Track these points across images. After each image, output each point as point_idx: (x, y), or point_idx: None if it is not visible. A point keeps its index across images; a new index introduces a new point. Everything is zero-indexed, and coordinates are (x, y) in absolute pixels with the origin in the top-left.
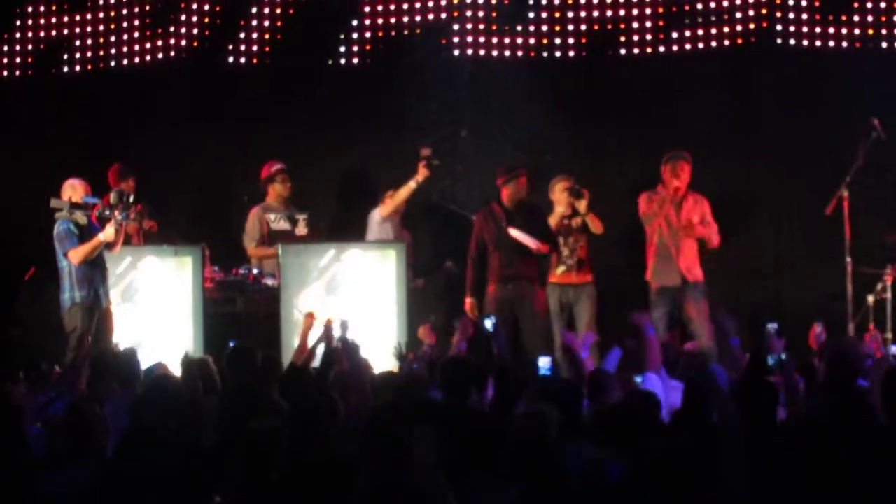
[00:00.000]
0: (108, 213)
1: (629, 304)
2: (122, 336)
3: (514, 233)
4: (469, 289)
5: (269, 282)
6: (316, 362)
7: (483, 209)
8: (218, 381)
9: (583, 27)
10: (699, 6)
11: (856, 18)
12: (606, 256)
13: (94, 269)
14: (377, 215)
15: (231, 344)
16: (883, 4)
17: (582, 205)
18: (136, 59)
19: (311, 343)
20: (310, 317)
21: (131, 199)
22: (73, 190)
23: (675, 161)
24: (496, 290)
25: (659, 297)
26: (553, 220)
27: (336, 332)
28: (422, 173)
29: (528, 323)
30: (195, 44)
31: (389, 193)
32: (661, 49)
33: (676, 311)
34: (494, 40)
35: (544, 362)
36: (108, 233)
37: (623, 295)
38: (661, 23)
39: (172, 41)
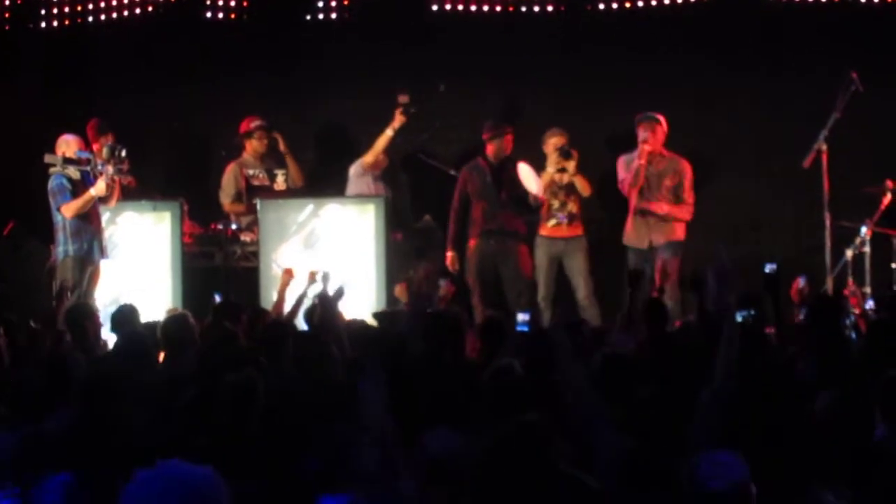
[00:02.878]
0: (100, 167)
1: (613, 260)
2: (102, 290)
3: (523, 168)
4: (451, 241)
5: (247, 237)
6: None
7: (469, 163)
8: (196, 336)
9: None
10: None
11: None
12: (586, 213)
13: (88, 224)
14: (357, 168)
15: (215, 296)
16: None
17: (571, 165)
18: (114, 15)
19: (289, 298)
20: (288, 273)
21: (123, 153)
22: (67, 145)
23: (643, 122)
24: (478, 244)
25: (633, 258)
26: (544, 177)
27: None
28: (398, 120)
29: (510, 278)
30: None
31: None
32: (640, 4)
33: (651, 271)
34: None
35: (522, 318)
36: (99, 187)
37: (605, 250)
38: None
39: None
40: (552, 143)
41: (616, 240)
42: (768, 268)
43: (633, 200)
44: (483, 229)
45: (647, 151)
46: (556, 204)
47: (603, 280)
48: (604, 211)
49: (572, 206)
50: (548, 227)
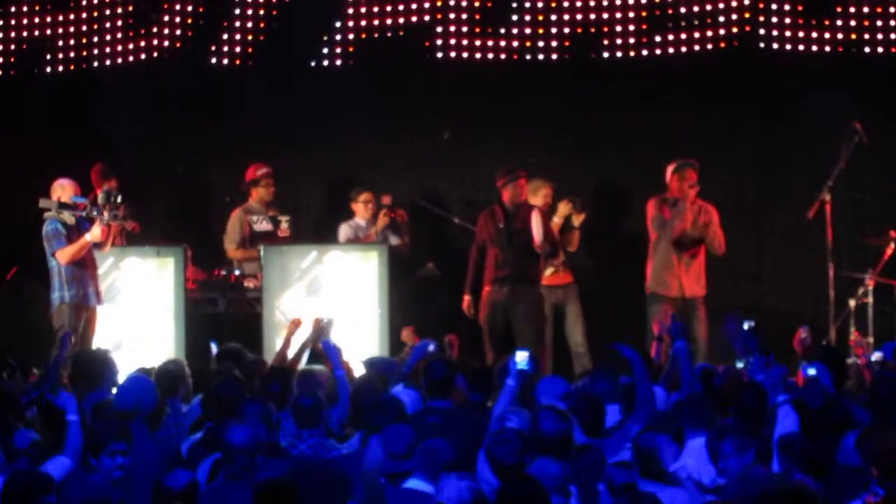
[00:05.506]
0: (95, 212)
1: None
2: (104, 336)
3: (535, 218)
4: (467, 286)
5: (251, 283)
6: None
7: (485, 210)
8: (190, 384)
9: (566, 30)
10: (682, 10)
11: (838, 23)
12: (592, 259)
13: (84, 269)
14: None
15: (212, 344)
16: (865, 9)
17: (579, 219)
18: (119, 60)
19: (293, 348)
20: (295, 323)
21: (119, 199)
22: (62, 190)
23: (685, 170)
24: (490, 292)
25: (656, 304)
26: (554, 225)
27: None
28: (381, 222)
29: (519, 326)
30: (178, 44)
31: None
32: (645, 53)
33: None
34: (478, 42)
35: (521, 357)
36: (94, 233)
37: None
38: (644, 26)
39: (155, 41)
40: (542, 193)
41: (603, 288)
42: (746, 325)
43: (661, 244)
44: (495, 276)
45: (694, 196)
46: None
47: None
48: (592, 260)
49: (561, 255)
50: (546, 276)
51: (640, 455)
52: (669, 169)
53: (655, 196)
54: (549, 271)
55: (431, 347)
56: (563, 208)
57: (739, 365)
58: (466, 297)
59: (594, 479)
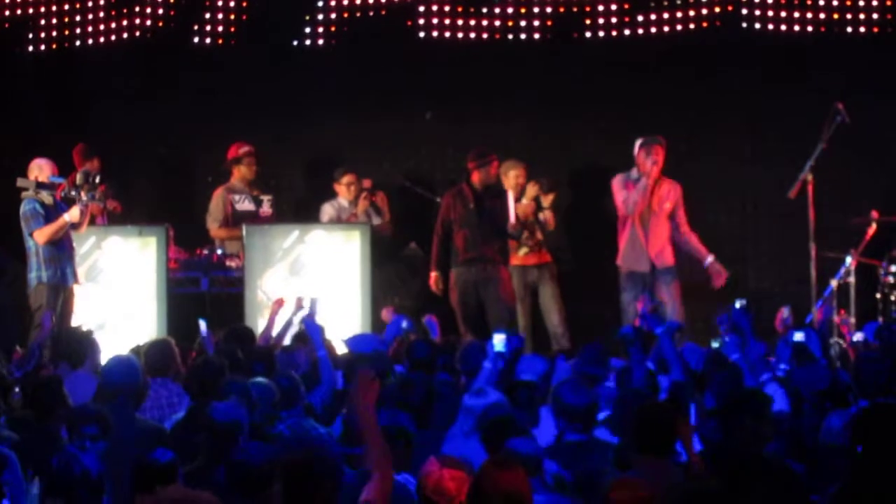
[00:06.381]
0: (73, 193)
1: (591, 286)
2: (87, 316)
3: (510, 196)
4: (434, 263)
5: (233, 263)
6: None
7: (452, 189)
8: (178, 361)
9: (549, 10)
10: None
11: (821, 3)
12: (571, 239)
13: (61, 249)
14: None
15: (201, 322)
16: None
17: (548, 200)
18: (102, 39)
19: (277, 328)
20: (278, 303)
21: (97, 179)
22: (40, 170)
23: (651, 146)
24: (460, 272)
25: (629, 281)
26: (523, 207)
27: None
28: (362, 205)
29: (492, 304)
30: (160, 24)
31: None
32: (627, 32)
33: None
34: (460, 22)
35: (499, 339)
36: (73, 213)
37: (587, 278)
38: (626, 6)
39: (138, 21)
40: (513, 174)
41: (582, 267)
42: (738, 303)
43: (629, 221)
44: (464, 258)
45: (657, 174)
46: (525, 234)
47: (573, 308)
48: (570, 239)
49: (538, 235)
50: (519, 256)
51: None
52: (637, 144)
53: (620, 174)
54: (522, 251)
55: (405, 324)
56: (531, 190)
57: (715, 344)
58: (433, 274)
59: None
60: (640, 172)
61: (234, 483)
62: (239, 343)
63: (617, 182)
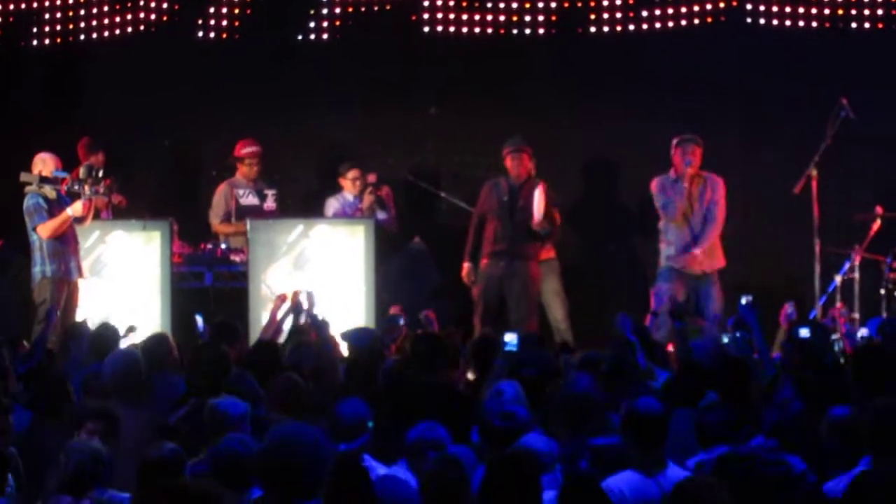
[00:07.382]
0: (77, 187)
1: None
2: (90, 310)
3: (537, 195)
4: (467, 254)
5: (237, 257)
6: (283, 337)
7: (490, 181)
8: (176, 356)
9: (553, 4)
10: None
11: None
12: (576, 234)
13: (65, 244)
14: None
15: (197, 318)
16: None
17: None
18: (106, 33)
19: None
20: (281, 297)
21: (100, 173)
22: (44, 164)
23: (686, 144)
24: (487, 265)
25: (671, 274)
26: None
27: (303, 306)
28: (367, 200)
29: (514, 299)
30: (165, 18)
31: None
32: (631, 27)
33: (693, 295)
34: (464, 17)
35: (511, 338)
36: (76, 207)
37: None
38: (630, 1)
39: (142, 15)
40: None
41: (587, 263)
42: (744, 299)
43: (672, 223)
44: (493, 250)
45: (691, 174)
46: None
47: (575, 303)
48: (577, 234)
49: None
50: None
51: None
52: (673, 143)
53: (658, 176)
54: None
55: (401, 321)
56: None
57: (724, 340)
58: (466, 265)
59: None
60: (677, 174)
61: (216, 474)
62: (225, 339)
63: (655, 186)
